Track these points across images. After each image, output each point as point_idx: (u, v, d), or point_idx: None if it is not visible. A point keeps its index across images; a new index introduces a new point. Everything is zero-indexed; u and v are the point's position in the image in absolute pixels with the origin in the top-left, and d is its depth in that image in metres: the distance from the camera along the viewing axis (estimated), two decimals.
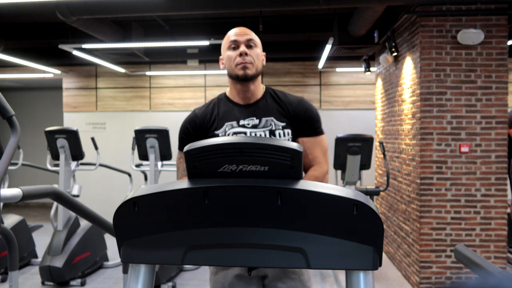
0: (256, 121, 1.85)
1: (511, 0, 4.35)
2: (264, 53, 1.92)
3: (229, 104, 1.89)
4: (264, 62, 1.92)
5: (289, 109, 1.86)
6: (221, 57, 1.92)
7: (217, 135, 1.84)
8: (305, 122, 1.87)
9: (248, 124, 1.84)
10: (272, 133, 1.84)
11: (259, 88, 1.90)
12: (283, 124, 1.85)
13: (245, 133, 1.84)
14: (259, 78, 1.89)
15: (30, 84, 9.83)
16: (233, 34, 1.87)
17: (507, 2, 4.37)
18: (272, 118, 1.85)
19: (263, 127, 1.84)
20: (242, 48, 1.82)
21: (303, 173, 1.90)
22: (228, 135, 1.83)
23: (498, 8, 4.41)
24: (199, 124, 1.88)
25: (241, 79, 1.83)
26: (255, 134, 1.83)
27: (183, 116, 7.94)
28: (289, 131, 1.85)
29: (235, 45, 1.84)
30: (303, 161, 1.85)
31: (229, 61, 1.85)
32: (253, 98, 1.88)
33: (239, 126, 1.84)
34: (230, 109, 1.88)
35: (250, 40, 1.84)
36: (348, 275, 1.00)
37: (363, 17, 4.95)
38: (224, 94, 1.94)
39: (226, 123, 1.85)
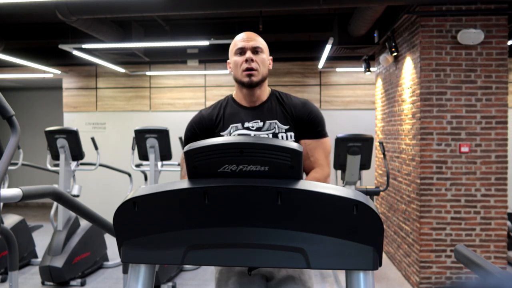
0: (260, 124, 1.89)
1: (511, 0, 4.35)
2: (270, 57, 1.97)
3: (235, 106, 1.94)
4: (271, 66, 1.96)
5: (293, 112, 1.90)
6: (228, 61, 1.97)
7: (222, 136, 1.87)
8: (308, 125, 1.90)
9: (253, 127, 1.89)
10: (275, 136, 1.88)
11: (264, 92, 1.94)
12: (287, 127, 1.89)
13: (249, 135, 1.88)
14: (265, 82, 1.93)
15: (30, 84, 9.83)
16: (239, 40, 1.90)
17: (507, 2, 4.37)
18: (276, 121, 1.90)
19: (267, 129, 1.88)
20: (248, 54, 1.87)
21: (304, 175, 1.90)
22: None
23: (498, 8, 4.41)
24: (205, 125, 1.92)
25: (247, 86, 1.88)
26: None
27: (183, 116, 7.90)
28: (292, 134, 1.89)
29: (241, 51, 1.88)
30: (305, 163, 1.86)
31: (235, 66, 1.90)
32: (259, 101, 1.93)
33: (244, 128, 1.89)
34: (236, 111, 1.92)
35: (256, 46, 1.88)
36: (348, 275, 1.00)
37: (363, 17, 4.95)
38: (231, 96, 1.99)
39: (231, 125, 1.90)
